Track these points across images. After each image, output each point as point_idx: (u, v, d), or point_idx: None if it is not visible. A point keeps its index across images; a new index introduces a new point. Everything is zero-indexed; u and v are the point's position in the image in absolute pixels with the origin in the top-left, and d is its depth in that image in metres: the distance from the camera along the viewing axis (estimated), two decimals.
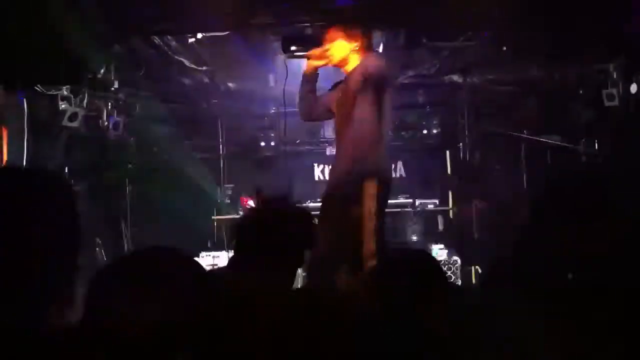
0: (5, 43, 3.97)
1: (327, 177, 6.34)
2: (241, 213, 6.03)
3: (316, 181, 7.17)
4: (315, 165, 7.32)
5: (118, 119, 5.88)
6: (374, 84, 3.32)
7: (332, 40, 3.49)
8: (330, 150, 6.69)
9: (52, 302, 1.27)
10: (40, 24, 4.08)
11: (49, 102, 5.17)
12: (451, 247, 6.02)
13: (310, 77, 3.58)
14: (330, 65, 3.55)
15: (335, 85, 3.70)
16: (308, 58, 3.54)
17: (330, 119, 3.84)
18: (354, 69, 3.45)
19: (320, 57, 3.50)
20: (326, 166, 7.01)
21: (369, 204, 3.28)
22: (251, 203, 5.80)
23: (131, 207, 6.22)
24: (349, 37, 3.49)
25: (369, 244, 3.24)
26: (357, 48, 3.49)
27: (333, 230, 3.31)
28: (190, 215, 6.37)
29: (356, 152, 3.38)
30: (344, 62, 3.51)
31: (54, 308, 1.27)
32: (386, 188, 3.43)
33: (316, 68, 3.56)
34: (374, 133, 3.39)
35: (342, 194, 3.40)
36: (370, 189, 3.31)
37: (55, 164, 5.07)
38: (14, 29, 3.99)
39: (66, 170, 5.23)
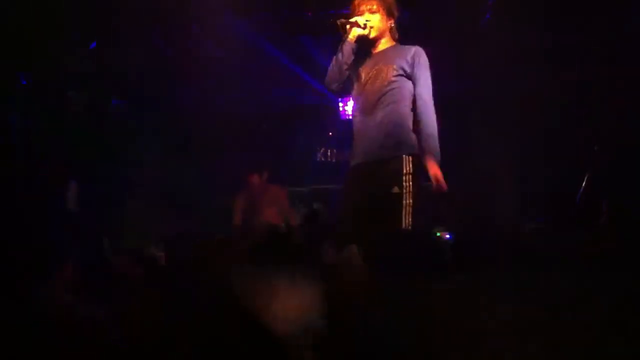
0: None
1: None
2: None
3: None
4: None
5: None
6: (424, 70, 3.47)
7: (373, 13, 3.56)
8: None
9: None
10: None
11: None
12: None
13: (352, 47, 3.57)
14: (368, 37, 3.56)
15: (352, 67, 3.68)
16: (355, 26, 3.55)
17: (344, 94, 3.83)
18: (399, 49, 3.56)
19: (363, 27, 3.54)
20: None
21: (409, 179, 3.33)
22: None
23: None
24: (388, 13, 3.58)
25: (408, 220, 3.28)
26: (392, 26, 3.59)
27: (364, 199, 3.34)
28: None
29: (397, 127, 3.42)
30: (380, 36, 3.59)
31: None
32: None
33: (356, 38, 3.56)
34: (411, 113, 3.46)
35: (379, 166, 3.41)
36: (413, 164, 3.36)
37: None
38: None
39: None
